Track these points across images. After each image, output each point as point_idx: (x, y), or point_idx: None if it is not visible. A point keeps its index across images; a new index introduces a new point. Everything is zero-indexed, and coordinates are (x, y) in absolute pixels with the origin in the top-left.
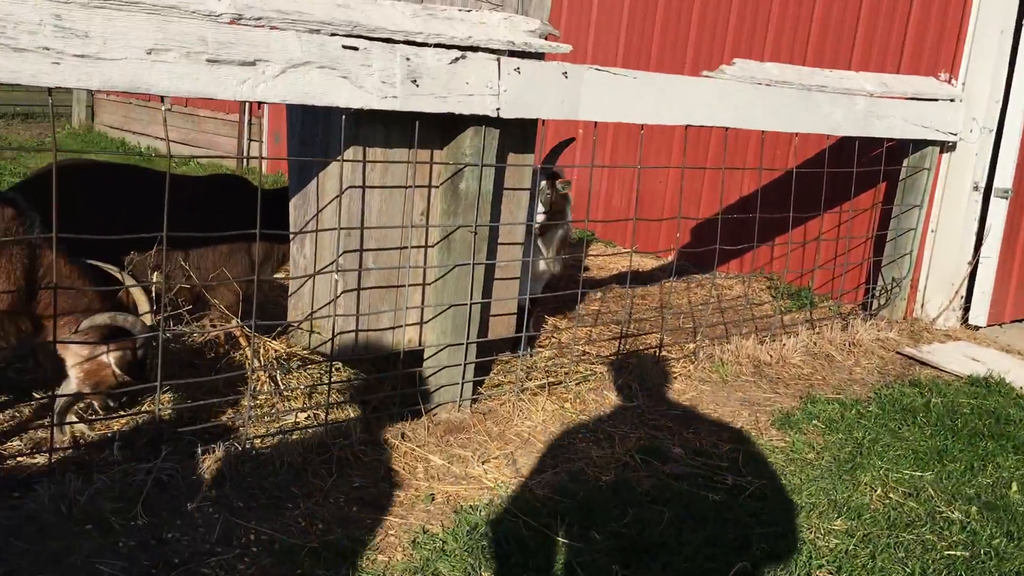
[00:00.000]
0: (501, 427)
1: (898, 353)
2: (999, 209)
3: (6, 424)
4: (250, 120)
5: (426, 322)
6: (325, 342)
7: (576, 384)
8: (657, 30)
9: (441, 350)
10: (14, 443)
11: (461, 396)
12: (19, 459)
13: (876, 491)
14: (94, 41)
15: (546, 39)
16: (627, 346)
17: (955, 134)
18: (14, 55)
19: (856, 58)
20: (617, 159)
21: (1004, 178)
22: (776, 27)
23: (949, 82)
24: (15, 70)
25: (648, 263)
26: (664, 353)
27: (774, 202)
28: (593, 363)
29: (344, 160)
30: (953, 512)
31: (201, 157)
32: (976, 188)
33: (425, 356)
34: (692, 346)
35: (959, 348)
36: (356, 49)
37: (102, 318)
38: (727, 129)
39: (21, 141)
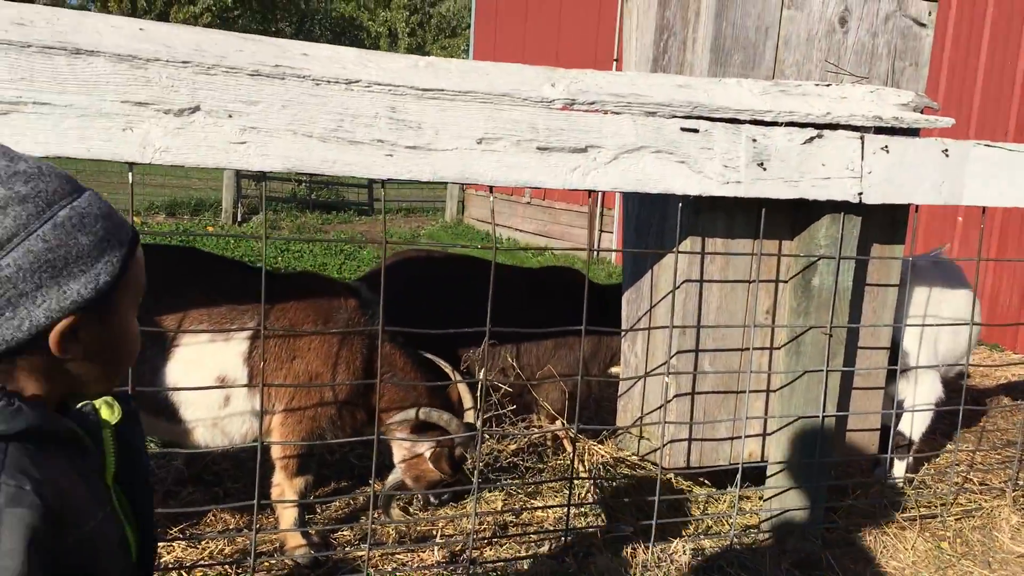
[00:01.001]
0: (859, 566)
1: None
2: None
3: (341, 511)
4: (602, 211)
5: (770, 434)
6: (655, 450)
7: (956, 520)
8: None
9: (787, 468)
10: (344, 532)
11: (811, 523)
12: (346, 549)
13: None
14: (426, 132)
15: (922, 112)
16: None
17: None
18: (350, 148)
19: None
20: (1006, 249)
21: None
22: None
23: None
24: (350, 163)
25: None
26: None
27: None
28: (978, 494)
29: (679, 252)
30: None
31: (535, 249)
32: None
33: (768, 473)
34: None
35: None
36: (696, 131)
37: (413, 413)
38: None
39: (401, 234)
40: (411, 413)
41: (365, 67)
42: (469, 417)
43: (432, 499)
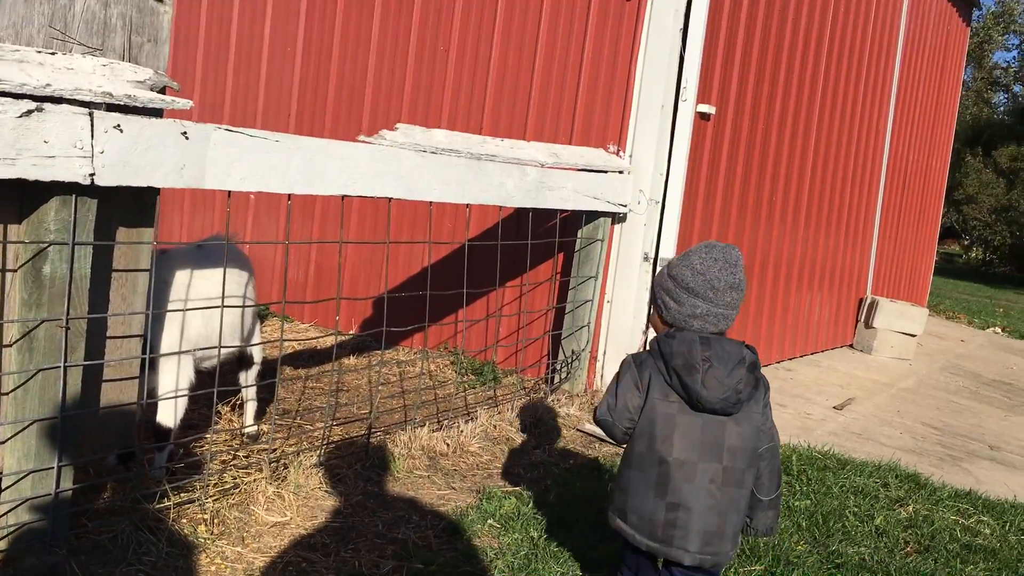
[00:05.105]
0: (108, 568)
1: (579, 431)
2: None
3: None
4: None
5: (3, 443)
6: None
7: (215, 501)
8: (331, 92)
9: (24, 478)
10: None
11: (55, 533)
12: None
13: None
14: None
15: (162, 92)
16: (292, 444)
17: (625, 205)
18: None
19: (531, 127)
20: (293, 228)
21: (667, 249)
22: (452, 94)
23: (618, 154)
24: None
25: (328, 340)
26: (332, 450)
27: (457, 275)
28: (245, 470)
29: None
30: None
31: None
32: (646, 258)
33: (3, 487)
34: (362, 438)
35: None
36: None
37: None
38: (389, 200)
39: None
40: None
41: None
42: None
43: None
